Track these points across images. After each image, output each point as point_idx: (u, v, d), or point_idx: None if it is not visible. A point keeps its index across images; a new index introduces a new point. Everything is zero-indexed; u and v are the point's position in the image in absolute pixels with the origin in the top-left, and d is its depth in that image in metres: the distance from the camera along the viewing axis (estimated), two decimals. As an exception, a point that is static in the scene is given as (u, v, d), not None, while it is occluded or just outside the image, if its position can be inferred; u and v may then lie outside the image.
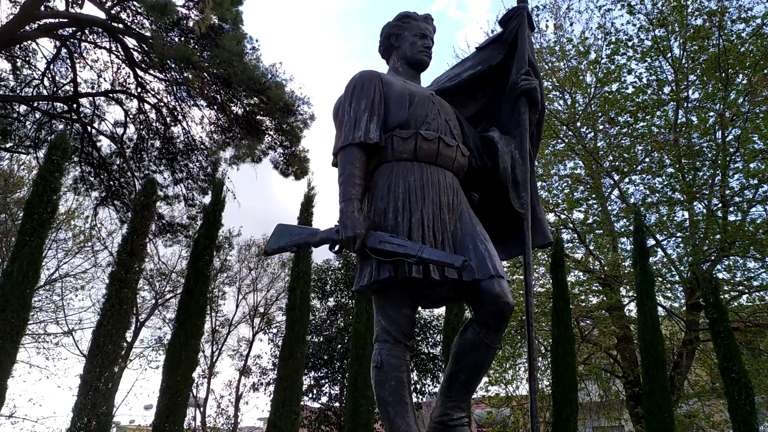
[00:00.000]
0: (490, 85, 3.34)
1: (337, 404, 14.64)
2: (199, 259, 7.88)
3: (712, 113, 11.72)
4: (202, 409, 18.52)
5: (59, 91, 14.60)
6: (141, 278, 8.40)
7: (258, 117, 13.58)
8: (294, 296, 8.38)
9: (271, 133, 13.71)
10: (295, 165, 13.65)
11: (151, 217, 8.15)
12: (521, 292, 10.30)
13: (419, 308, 3.02)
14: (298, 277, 8.47)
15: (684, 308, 11.75)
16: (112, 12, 13.45)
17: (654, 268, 11.06)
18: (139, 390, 55.42)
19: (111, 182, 15.65)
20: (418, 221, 2.75)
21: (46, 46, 14.46)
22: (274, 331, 16.39)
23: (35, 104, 14.35)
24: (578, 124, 13.09)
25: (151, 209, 7.99)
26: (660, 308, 11.44)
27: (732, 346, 7.59)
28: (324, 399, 14.80)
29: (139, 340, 18.63)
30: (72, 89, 14.38)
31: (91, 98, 15.05)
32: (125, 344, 7.38)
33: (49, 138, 15.16)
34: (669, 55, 12.32)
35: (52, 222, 7.08)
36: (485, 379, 13.25)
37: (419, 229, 2.74)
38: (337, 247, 2.82)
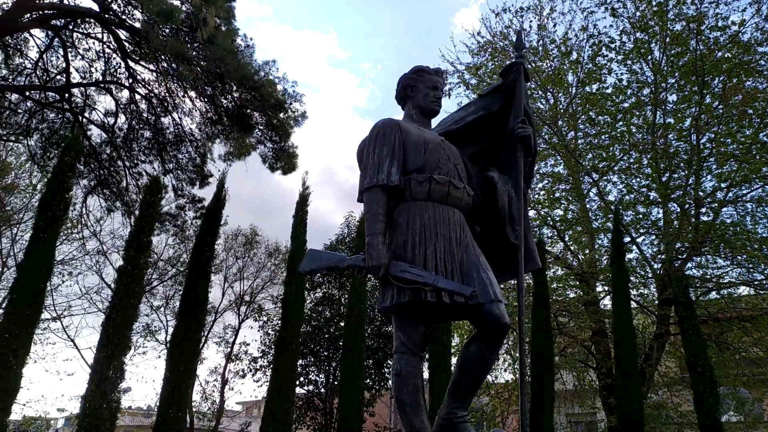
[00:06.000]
0: (491, 129, 3.84)
1: (323, 390, 15.13)
2: (201, 255, 8.28)
3: (688, 117, 12.21)
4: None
5: (51, 81, 14.73)
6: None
7: (248, 111, 13.85)
8: (289, 290, 8.81)
9: (261, 127, 14.00)
10: (283, 160, 13.97)
11: (156, 215, 8.51)
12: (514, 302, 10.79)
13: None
14: (293, 273, 8.87)
15: (656, 303, 12.30)
16: (105, 3, 13.58)
17: (629, 264, 11.60)
18: (129, 376, 55.25)
19: (101, 171, 15.83)
20: (432, 253, 3.26)
21: (38, 35, 14.53)
22: (264, 319, 16.76)
23: (27, 93, 14.48)
24: (560, 123, 13.53)
25: (156, 207, 8.36)
26: (633, 303, 12.03)
27: (698, 341, 8.15)
28: (311, 387, 15.30)
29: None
30: (64, 79, 14.52)
31: (82, 88, 15.20)
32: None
33: (40, 126, 15.35)
34: (649, 57, 12.72)
35: (64, 219, 7.43)
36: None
37: (432, 259, 3.24)
38: (363, 273, 3.31)
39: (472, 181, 3.62)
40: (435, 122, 3.87)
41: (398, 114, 4.18)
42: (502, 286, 3.37)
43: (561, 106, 13.69)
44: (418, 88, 3.73)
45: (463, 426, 3.25)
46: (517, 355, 11.83)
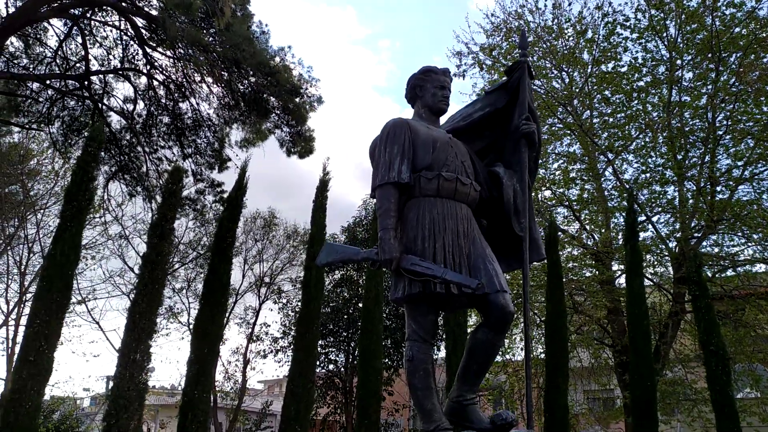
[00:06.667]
0: (496, 125, 4.02)
1: (343, 370, 15.49)
2: (223, 241, 8.54)
3: (704, 94, 12.13)
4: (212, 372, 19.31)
5: (71, 69, 14.96)
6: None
7: (264, 96, 14.00)
8: (309, 274, 9.05)
9: (278, 112, 14.14)
10: (300, 144, 14.12)
11: (177, 203, 8.75)
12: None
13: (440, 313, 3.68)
14: (313, 257, 9.07)
15: (672, 281, 12.36)
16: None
17: (645, 243, 11.67)
18: (153, 357, 56.32)
19: (121, 157, 16.10)
20: (441, 247, 3.45)
21: (56, 25, 14.76)
22: (284, 301, 17.10)
23: (48, 82, 14.73)
24: (575, 102, 13.53)
25: (177, 196, 8.61)
26: (649, 281, 12.13)
27: (711, 320, 8.24)
28: (330, 366, 15.66)
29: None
30: (83, 67, 14.75)
31: (101, 75, 15.43)
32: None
33: (61, 114, 15.63)
34: (665, 35, 12.60)
35: (89, 208, 7.71)
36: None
37: (441, 252, 3.44)
38: (377, 265, 3.53)
39: (478, 176, 3.79)
40: (445, 118, 4.02)
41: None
42: (509, 275, 3.53)
43: (576, 86, 13.68)
44: (426, 87, 3.89)
45: (472, 408, 3.48)
46: (532, 334, 11.98)
